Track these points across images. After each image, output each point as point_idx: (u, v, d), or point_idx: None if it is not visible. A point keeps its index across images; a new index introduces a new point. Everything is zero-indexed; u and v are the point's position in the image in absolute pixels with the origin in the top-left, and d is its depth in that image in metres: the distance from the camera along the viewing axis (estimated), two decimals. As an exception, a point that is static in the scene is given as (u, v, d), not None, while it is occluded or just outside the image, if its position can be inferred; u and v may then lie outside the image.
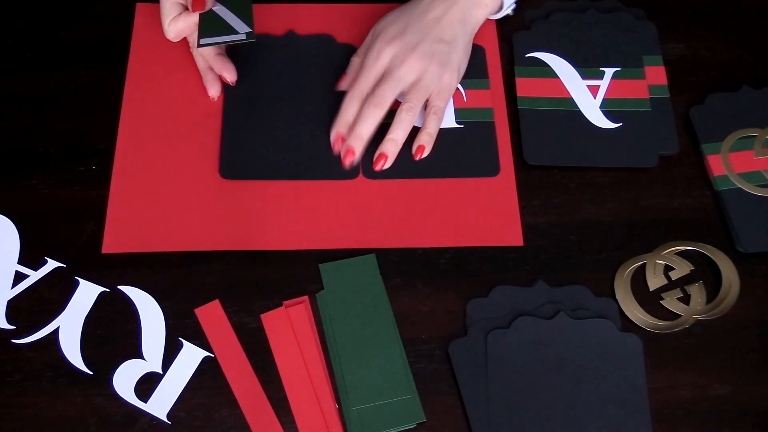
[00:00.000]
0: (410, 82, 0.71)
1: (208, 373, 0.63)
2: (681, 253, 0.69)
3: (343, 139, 0.70)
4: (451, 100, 0.75)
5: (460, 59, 0.73)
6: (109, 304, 0.65)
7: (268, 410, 0.62)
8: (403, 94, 0.71)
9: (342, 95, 0.72)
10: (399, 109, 0.70)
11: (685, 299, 0.67)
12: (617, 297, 0.67)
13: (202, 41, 0.69)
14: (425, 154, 0.71)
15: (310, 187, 0.71)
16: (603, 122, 0.74)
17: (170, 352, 0.64)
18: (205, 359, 0.64)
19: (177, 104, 0.74)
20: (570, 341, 0.64)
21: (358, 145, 0.69)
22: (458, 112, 0.74)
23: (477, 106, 0.75)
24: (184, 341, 0.64)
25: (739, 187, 0.71)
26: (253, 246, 0.68)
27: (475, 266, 0.68)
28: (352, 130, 0.69)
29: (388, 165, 0.70)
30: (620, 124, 0.74)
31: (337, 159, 0.71)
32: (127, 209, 0.69)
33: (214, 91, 0.74)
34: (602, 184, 0.72)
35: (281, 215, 0.69)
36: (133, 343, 0.64)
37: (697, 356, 0.65)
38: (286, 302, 0.66)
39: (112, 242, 0.68)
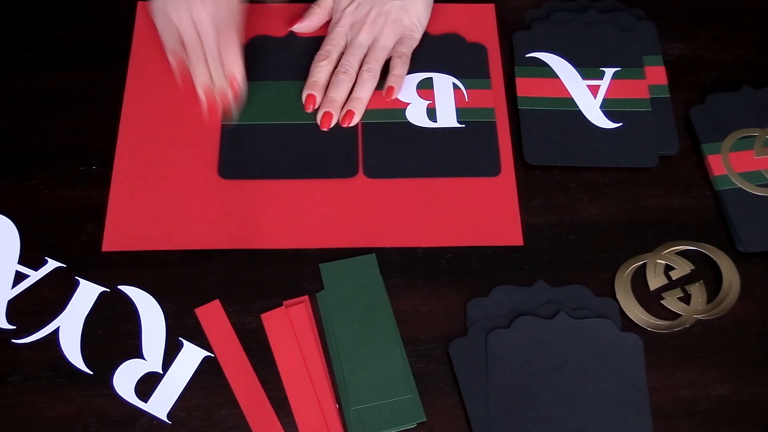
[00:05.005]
0: (368, 45, 0.76)
1: (208, 373, 0.63)
2: (681, 253, 0.69)
3: (314, 99, 0.74)
4: (453, 100, 0.75)
5: (418, 11, 0.77)
6: (109, 304, 0.65)
7: (268, 410, 0.62)
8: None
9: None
10: (360, 71, 0.75)
11: (686, 299, 0.67)
12: (617, 297, 0.67)
13: None
14: (395, 94, 0.75)
15: (310, 187, 0.71)
16: (603, 122, 0.74)
17: (170, 352, 0.64)
18: (205, 359, 0.64)
19: (177, 104, 0.74)
20: (570, 341, 0.64)
21: (334, 107, 0.73)
22: (459, 112, 0.74)
23: (478, 106, 0.75)
24: (184, 341, 0.64)
25: (740, 187, 0.71)
26: (253, 246, 0.68)
27: (475, 266, 0.68)
28: (326, 95, 0.74)
29: (354, 122, 0.74)
30: (620, 124, 0.74)
31: (336, 158, 0.71)
32: (127, 209, 0.69)
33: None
34: (602, 184, 0.72)
35: (281, 215, 0.69)
36: (133, 343, 0.64)
37: (698, 356, 0.65)
38: (286, 302, 0.66)
39: (112, 242, 0.68)
